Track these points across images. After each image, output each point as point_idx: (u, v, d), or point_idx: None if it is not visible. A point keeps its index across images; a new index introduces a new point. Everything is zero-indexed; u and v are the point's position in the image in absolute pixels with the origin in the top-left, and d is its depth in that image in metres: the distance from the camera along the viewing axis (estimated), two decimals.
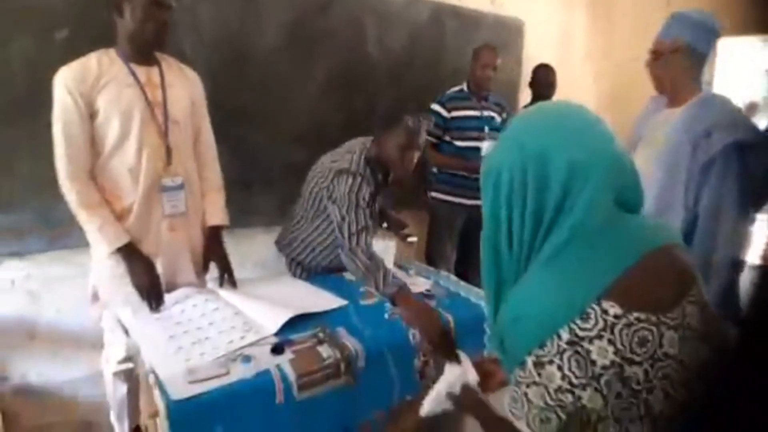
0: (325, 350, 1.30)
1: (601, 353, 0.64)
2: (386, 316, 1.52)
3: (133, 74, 1.51)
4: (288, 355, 1.27)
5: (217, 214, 1.73)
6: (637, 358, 0.64)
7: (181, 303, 1.53)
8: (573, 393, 0.65)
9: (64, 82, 1.42)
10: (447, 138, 2.63)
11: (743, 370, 0.44)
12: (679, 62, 1.59)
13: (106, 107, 1.45)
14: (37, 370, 2.06)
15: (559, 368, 0.65)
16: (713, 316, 0.72)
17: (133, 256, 1.49)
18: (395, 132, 1.71)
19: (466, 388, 1.02)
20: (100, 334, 2.05)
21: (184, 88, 1.63)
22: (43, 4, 1.86)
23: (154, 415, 1.08)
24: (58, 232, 1.96)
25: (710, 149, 1.46)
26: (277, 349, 1.28)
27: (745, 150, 1.44)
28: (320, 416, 1.26)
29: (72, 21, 1.91)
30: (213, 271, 1.74)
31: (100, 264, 1.55)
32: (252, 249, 2.35)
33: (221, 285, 1.67)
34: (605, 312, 0.64)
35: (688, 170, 1.50)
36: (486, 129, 2.61)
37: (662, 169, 1.56)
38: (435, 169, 2.71)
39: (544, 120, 0.76)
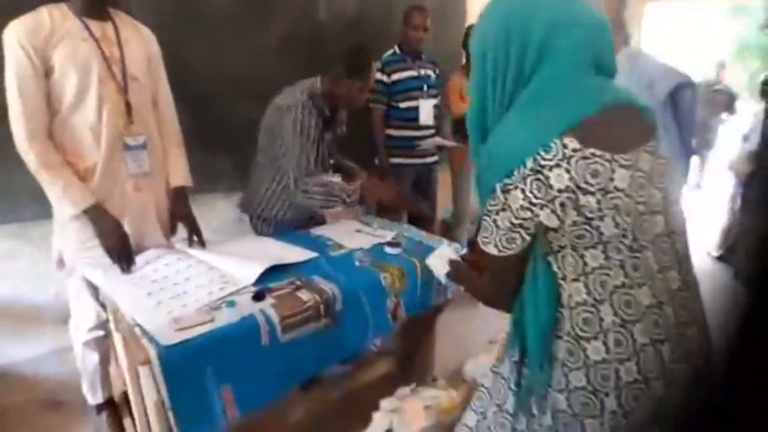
0: (304, 294, 1.36)
1: (558, 179, 0.73)
2: (357, 263, 1.60)
3: (88, 29, 1.46)
4: (269, 300, 1.32)
5: (181, 174, 1.72)
6: (591, 188, 0.73)
7: (152, 263, 1.53)
8: (532, 211, 0.75)
9: (16, 37, 1.35)
10: (391, 103, 2.68)
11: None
12: (618, 29, 1.76)
13: (62, 63, 1.40)
14: None
15: (522, 191, 0.75)
16: (667, 169, 0.82)
17: (100, 217, 1.47)
18: (358, 79, 1.79)
19: (451, 261, 1.21)
20: (62, 309, 2.01)
21: (140, 44, 1.60)
22: None
23: (145, 362, 1.10)
24: (9, 204, 1.86)
25: (653, 98, 1.66)
26: (258, 296, 1.33)
27: (680, 92, 1.67)
28: (303, 355, 1.33)
29: None
30: (180, 233, 1.74)
31: (65, 227, 1.52)
32: (213, 214, 2.35)
33: (190, 245, 1.68)
34: (565, 146, 0.73)
35: None
36: (424, 87, 2.69)
37: None
38: None
39: None
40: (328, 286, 1.41)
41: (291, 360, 1.31)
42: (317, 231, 1.91)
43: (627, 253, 0.76)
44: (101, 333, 1.66)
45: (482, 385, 1.00)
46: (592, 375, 0.78)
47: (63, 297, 2.01)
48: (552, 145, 0.73)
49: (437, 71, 2.80)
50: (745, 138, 4.23)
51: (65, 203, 1.43)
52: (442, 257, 1.32)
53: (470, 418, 1.01)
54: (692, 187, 5.70)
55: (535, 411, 0.85)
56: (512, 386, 0.90)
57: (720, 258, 4.10)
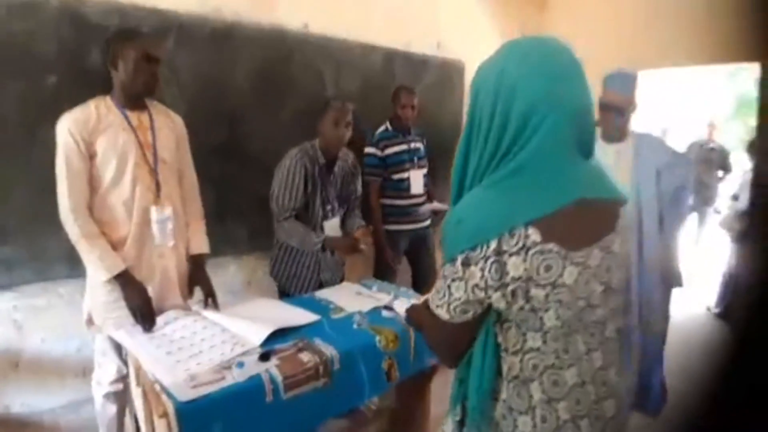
0: (305, 356, 1.52)
1: (515, 268, 0.77)
2: (355, 326, 1.76)
3: (128, 119, 1.71)
4: (274, 361, 1.48)
5: (200, 243, 1.93)
6: (541, 282, 0.78)
7: (171, 324, 1.71)
8: (486, 292, 0.80)
9: (68, 126, 1.60)
10: (385, 175, 2.89)
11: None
12: (629, 112, 2.05)
13: (105, 149, 1.64)
14: (21, 400, 2.13)
15: (481, 270, 0.78)
16: (617, 264, 0.87)
17: (128, 282, 1.66)
18: (326, 116, 2.12)
19: (411, 305, 1.27)
20: (83, 362, 2.19)
21: (170, 130, 1.84)
22: (36, 53, 2.03)
23: (163, 415, 1.26)
24: (44, 264, 2.08)
25: (660, 185, 2.03)
26: (264, 357, 1.49)
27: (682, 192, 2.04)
28: (303, 412, 1.47)
29: (61, 68, 2.08)
30: (197, 295, 1.92)
31: (95, 290, 1.71)
32: (226, 276, 2.54)
33: (205, 307, 1.86)
34: (527, 236, 0.76)
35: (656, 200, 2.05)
36: (414, 159, 2.93)
37: (639, 196, 2.05)
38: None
39: (529, 55, 0.83)
40: (328, 349, 1.56)
41: (292, 416, 1.45)
42: (322, 294, 2.08)
43: (562, 340, 0.83)
44: (120, 387, 1.82)
45: None
46: None
47: (84, 351, 2.20)
48: (516, 232, 0.76)
49: (425, 142, 3.03)
50: (735, 197, 4.40)
51: (100, 269, 1.63)
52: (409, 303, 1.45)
53: None
54: (692, 244, 5.80)
55: None
56: None
57: (719, 314, 4.17)
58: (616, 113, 2.03)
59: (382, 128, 2.94)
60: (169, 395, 1.30)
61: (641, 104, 2.09)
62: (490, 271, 0.78)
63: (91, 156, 1.64)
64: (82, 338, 2.20)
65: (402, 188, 2.92)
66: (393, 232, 2.97)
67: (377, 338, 1.68)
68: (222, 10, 2.48)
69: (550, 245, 0.77)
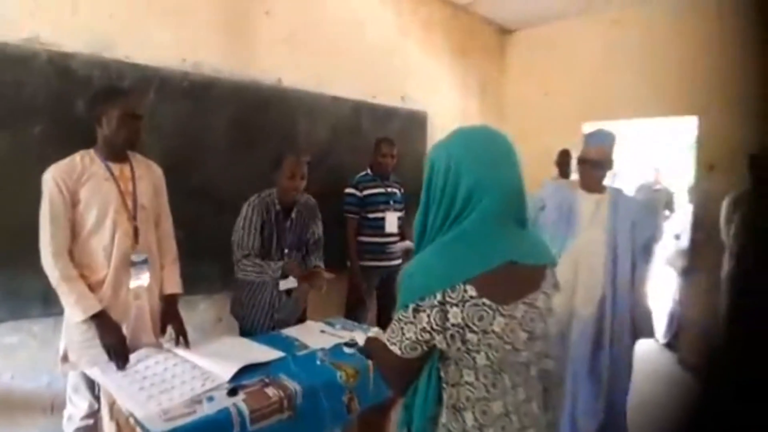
0: (270, 391, 1.65)
1: (455, 316, 0.95)
2: (318, 362, 1.90)
3: (110, 170, 1.85)
4: (241, 395, 1.60)
5: (174, 284, 2.05)
6: (475, 329, 0.95)
7: (143, 361, 1.81)
8: (431, 334, 0.98)
9: (53, 176, 1.73)
10: (363, 213, 3.17)
11: None
12: (608, 167, 2.26)
13: (87, 198, 1.78)
14: None
15: (428, 316, 0.97)
16: (539, 316, 1.04)
17: (104, 321, 1.77)
18: (282, 169, 2.27)
19: (368, 337, 1.39)
20: (52, 398, 2.25)
21: (150, 179, 1.99)
22: (21, 102, 2.16)
23: None
24: (18, 302, 2.15)
25: (634, 235, 2.22)
26: (232, 392, 1.62)
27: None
28: None
29: (46, 118, 2.20)
30: (169, 333, 2.03)
31: (71, 329, 1.80)
32: (195, 314, 2.64)
33: (177, 345, 1.97)
34: (465, 291, 0.94)
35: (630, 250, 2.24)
36: (390, 202, 3.22)
37: (616, 243, 2.23)
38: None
39: (473, 141, 1.04)
40: (292, 384, 1.70)
41: None
42: (288, 332, 2.22)
43: (491, 376, 1.00)
44: (91, 422, 1.90)
45: None
46: None
47: (54, 387, 2.26)
48: (457, 287, 0.94)
49: (401, 190, 3.33)
50: (677, 236, 4.77)
51: (77, 310, 1.73)
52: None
53: None
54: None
55: None
56: None
57: (667, 345, 4.47)
58: (594, 167, 2.24)
59: (363, 172, 3.23)
60: (143, 427, 1.41)
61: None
62: (434, 317, 0.96)
63: (74, 204, 1.77)
64: (52, 375, 2.26)
65: (378, 227, 3.18)
66: (367, 268, 3.18)
67: (338, 374, 1.82)
68: (201, 66, 2.67)
69: (483, 299, 0.96)
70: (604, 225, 2.24)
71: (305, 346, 2.04)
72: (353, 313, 3.11)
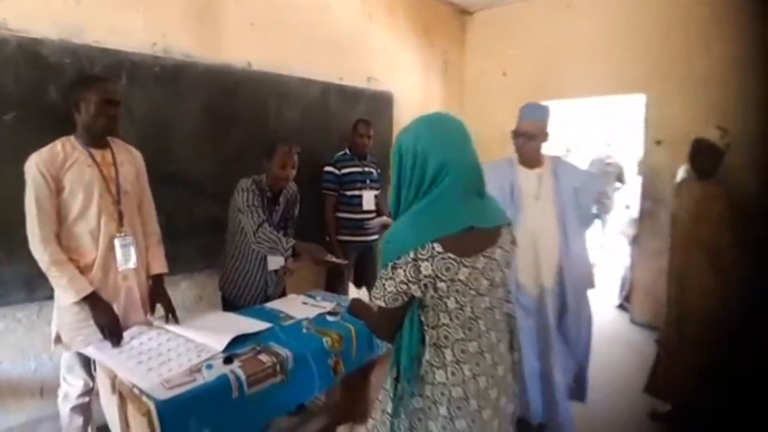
0: (264, 357, 1.77)
1: (426, 269, 1.13)
2: (304, 331, 2.03)
3: (92, 156, 1.90)
4: (237, 363, 1.72)
5: (159, 264, 2.13)
6: (443, 278, 1.13)
7: (137, 338, 1.89)
8: (407, 285, 1.15)
9: (36, 164, 1.76)
10: (341, 191, 3.32)
11: None
12: (543, 139, 2.29)
13: (72, 184, 1.82)
14: None
15: (404, 271, 1.14)
16: (497, 266, 1.23)
17: (96, 302, 1.84)
18: (274, 159, 2.36)
19: (353, 299, 1.58)
20: (40, 383, 2.30)
21: (131, 164, 2.04)
22: None
23: (145, 413, 1.47)
24: (2, 289, 2.17)
25: (579, 198, 2.31)
26: (228, 360, 1.73)
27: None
28: (265, 404, 1.72)
29: (17, 105, 2.20)
30: (158, 311, 2.12)
31: (63, 311, 1.86)
32: (176, 294, 2.70)
33: (167, 322, 2.05)
34: (434, 248, 1.12)
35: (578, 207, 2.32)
36: (367, 180, 3.37)
37: (564, 212, 2.31)
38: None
39: (436, 127, 1.22)
40: (283, 350, 1.82)
41: (255, 408, 1.69)
42: (272, 305, 2.33)
43: (464, 319, 1.19)
44: (87, 400, 1.98)
45: (378, 399, 1.39)
46: (436, 391, 1.19)
47: (40, 372, 2.31)
48: (426, 246, 1.12)
49: (378, 170, 3.49)
50: (627, 207, 5.12)
51: (69, 292, 1.79)
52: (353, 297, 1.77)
53: (369, 423, 1.42)
54: (597, 247, 6.55)
55: (402, 412, 1.24)
56: (392, 395, 1.28)
57: (619, 306, 4.85)
58: (527, 139, 2.27)
59: (341, 152, 3.38)
60: (149, 396, 1.51)
61: (552, 128, 2.31)
62: (409, 271, 1.15)
63: (59, 191, 1.81)
64: (39, 360, 2.30)
65: (355, 204, 3.33)
66: (345, 243, 3.34)
67: (324, 339, 1.96)
68: (171, 51, 2.69)
69: (449, 254, 1.14)
70: (551, 198, 2.32)
71: (290, 317, 2.16)
72: (332, 286, 3.26)
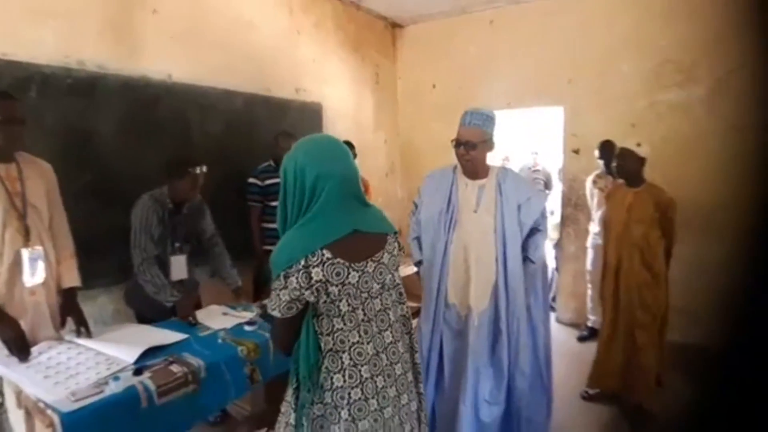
0: (175, 368, 1.82)
1: (317, 274, 1.18)
2: (219, 341, 2.09)
3: None
4: (147, 374, 1.75)
5: (72, 278, 2.12)
6: (334, 282, 1.20)
7: (45, 353, 1.89)
8: (300, 292, 1.19)
9: None
10: (265, 202, 3.37)
11: None
12: (486, 149, 2.16)
13: None
14: None
15: (296, 279, 1.18)
16: (386, 269, 1.32)
17: (1, 318, 1.82)
18: (184, 180, 2.40)
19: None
20: None
21: (39, 178, 2.02)
22: None
23: (49, 425, 1.49)
24: None
25: (523, 220, 2.21)
26: (137, 372, 1.76)
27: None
28: (177, 414, 1.76)
29: None
30: (70, 325, 2.10)
31: None
32: (93, 308, 2.67)
33: (78, 336, 2.05)
34: (323, 254, 1.18)
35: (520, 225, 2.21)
36: None
37: (504, 228, 2.19)
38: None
39: (312, 145, 1.30)
40: (195, 360, 1.88)
41: (166, 418, 1.73)
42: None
43: (357, 322, 1.25)
44: None
45: (281, 412, 1.41)
46: (336, 396, 1.23)
47: None
48: (316, 252, 1.18)
49: None
50: (551, 212, 5.46)
51: None
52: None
53: None
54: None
55: (304, 422, 1.26)
56: (293, 406, 1.30)
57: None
58: (468, 148, 2.12)
59: (265, 164, 3.42)
60: (54, 409, 1.52)
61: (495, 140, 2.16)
62: (301, 278, 1.19)
63: None
64: None
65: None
66: (271, 252, 3.34)
67: (240, 349, 2.02)
68: (85, 63, 2.66)
69: (338, 259, 1.21)
70: (492, 212, 2.19)
71: (207, 328, 2.21)
72: (259, 294, 3.30)
